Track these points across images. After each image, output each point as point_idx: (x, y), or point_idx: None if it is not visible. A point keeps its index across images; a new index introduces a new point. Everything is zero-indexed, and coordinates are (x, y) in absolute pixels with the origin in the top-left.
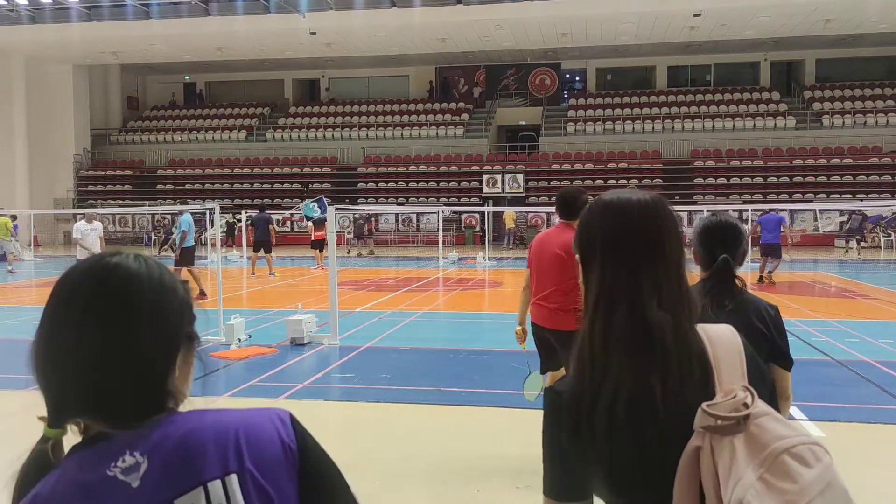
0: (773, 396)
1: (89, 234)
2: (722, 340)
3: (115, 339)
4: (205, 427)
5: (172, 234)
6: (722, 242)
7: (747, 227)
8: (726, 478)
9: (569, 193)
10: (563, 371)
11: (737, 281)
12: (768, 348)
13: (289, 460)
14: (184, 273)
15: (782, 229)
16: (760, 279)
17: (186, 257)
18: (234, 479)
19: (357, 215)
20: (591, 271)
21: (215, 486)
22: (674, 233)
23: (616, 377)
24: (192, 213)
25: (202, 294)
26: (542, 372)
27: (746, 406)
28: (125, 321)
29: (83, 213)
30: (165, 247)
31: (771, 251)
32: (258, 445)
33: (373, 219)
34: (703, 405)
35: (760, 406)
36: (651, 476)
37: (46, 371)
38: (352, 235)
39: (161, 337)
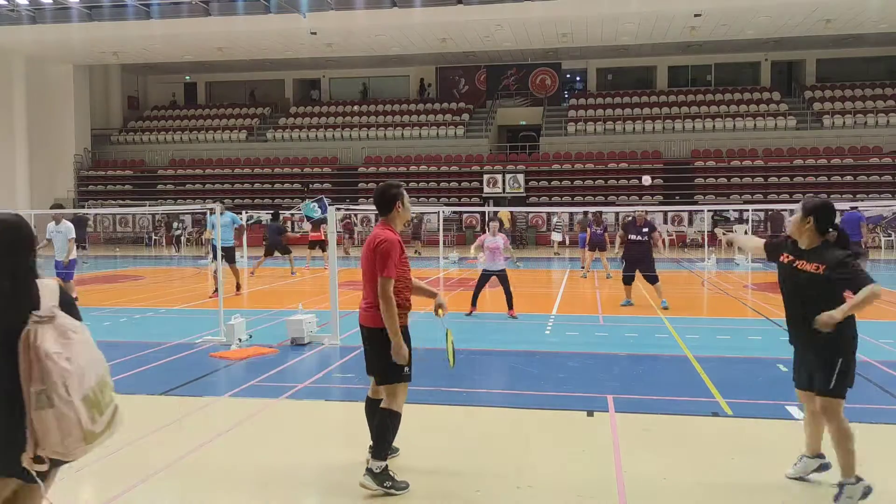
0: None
1: (56, 236)
2: (45, 286)
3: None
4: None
5: (175, 229)
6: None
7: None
8: (41, 338)
9: (382, 191)
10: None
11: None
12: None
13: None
14: (226, 271)
15: (862, 228)
16: None
17: (228, 256)
18: None
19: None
20: None
21: None
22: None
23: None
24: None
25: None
26: (369, 373)
27: (55, 313)
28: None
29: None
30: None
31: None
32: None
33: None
34: (33, 313)
35: (58, 315)
36: None
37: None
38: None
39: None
